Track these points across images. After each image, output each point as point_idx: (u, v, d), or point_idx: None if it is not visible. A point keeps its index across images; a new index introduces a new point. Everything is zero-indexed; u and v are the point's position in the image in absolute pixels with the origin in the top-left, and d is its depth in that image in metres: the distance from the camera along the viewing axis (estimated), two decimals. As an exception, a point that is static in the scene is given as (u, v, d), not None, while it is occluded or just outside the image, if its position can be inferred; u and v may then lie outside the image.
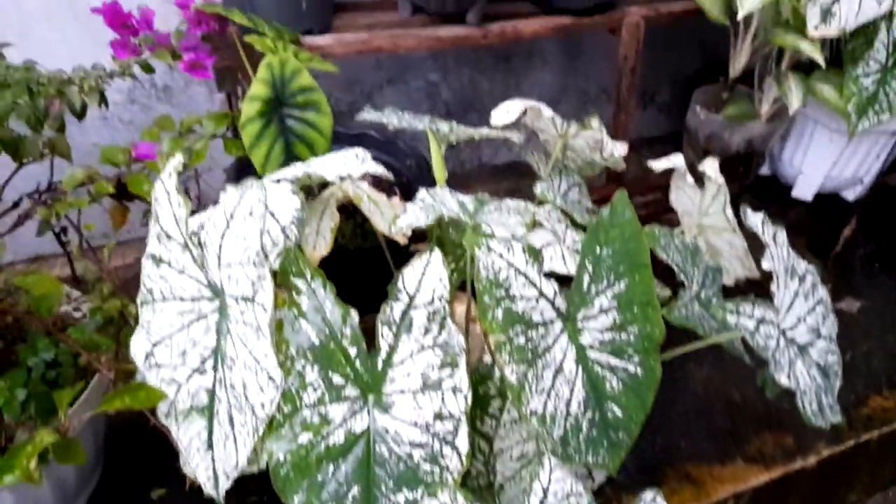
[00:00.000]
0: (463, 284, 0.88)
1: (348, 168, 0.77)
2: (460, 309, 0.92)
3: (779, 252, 0.76)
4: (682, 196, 1.03)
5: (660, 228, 0.88)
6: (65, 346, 0.81)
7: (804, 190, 1.48)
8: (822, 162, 1.41)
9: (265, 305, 0.61)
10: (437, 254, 0.66)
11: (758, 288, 0.92)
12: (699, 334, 0.80)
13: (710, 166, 0.93)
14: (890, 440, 1.20)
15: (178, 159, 0.65)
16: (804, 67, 1.26)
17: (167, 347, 0.68)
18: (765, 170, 1.58)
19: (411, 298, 0.66)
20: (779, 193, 1.57)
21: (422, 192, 0.84)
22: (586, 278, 0.69)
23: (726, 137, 1.36)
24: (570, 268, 0.84)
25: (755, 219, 0.77)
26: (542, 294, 0.66)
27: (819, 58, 1.14)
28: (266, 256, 0.60)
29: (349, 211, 0.97)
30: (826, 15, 1.11)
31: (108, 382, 0.77)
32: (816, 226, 1.57)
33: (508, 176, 1.68)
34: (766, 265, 0.74)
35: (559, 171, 1.03)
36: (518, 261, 0.65)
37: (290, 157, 0.90)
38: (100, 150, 0.97)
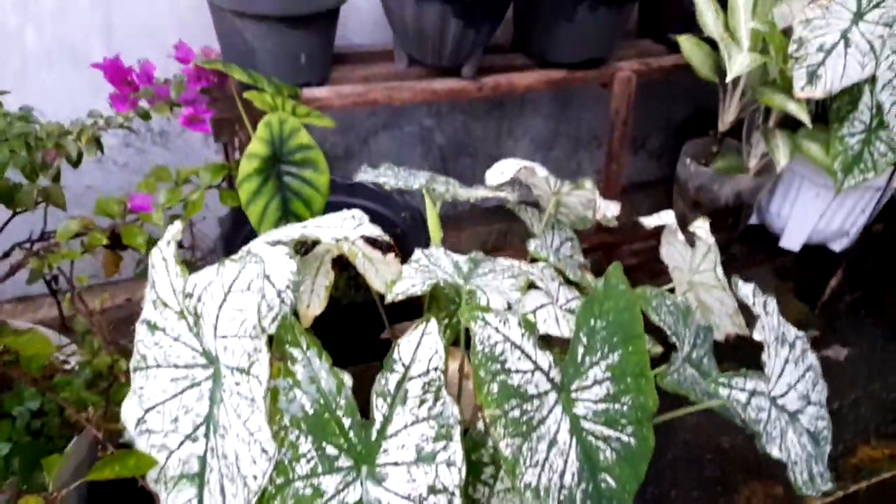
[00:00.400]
0: (456, 339, 0.88)
1: (345, 231, 0.77)
2: (453, 366, 0.92)
3: (769, 321, 0.78)
4: (674, 252, 1.04)
5: (651, 290, 0.89)
6: (51, 398, 0.80)
7: (791, 241, 1.50)
8: (809, 215, 1.44)
9: (260, 378, 0.61)
10: (432, 324, 0.66)
11: (747, 344, 0.93)
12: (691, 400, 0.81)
13: (701, 227, 0.95)
14: (879, 490, 1.20)
15: (177, 227, 0.65)
16: (791, 123, 1.29)
17: (159, 414, 0.67)
18: (753, 219, 1.60)
19: (406, 369, 0.66)
20: (767, 242, 1.59)
21: (417, 253, 0.84)
22: (580, 349, 0.69)
23: (716, 190, 1.39)
24: (563, 330, 0.85)
25: (746, 289, 0.79)
26: (537, 367, 0.66)
27: (805, 118, 1.17)
28: (263, 330, 0.60)
29: (343, 263, 0.97)
30: (812, 77, 1.14)
31: (94, 438, 0.76)
32: (804, 274, 1.59)
33: (500, 218, 1.69)
34: (757, 336, 0.75)
35: (552, 226, 1.05)
36: (514, 334, 0.65)
37: (286, 213, 0.90)
38: (93, 193, 0.97)
